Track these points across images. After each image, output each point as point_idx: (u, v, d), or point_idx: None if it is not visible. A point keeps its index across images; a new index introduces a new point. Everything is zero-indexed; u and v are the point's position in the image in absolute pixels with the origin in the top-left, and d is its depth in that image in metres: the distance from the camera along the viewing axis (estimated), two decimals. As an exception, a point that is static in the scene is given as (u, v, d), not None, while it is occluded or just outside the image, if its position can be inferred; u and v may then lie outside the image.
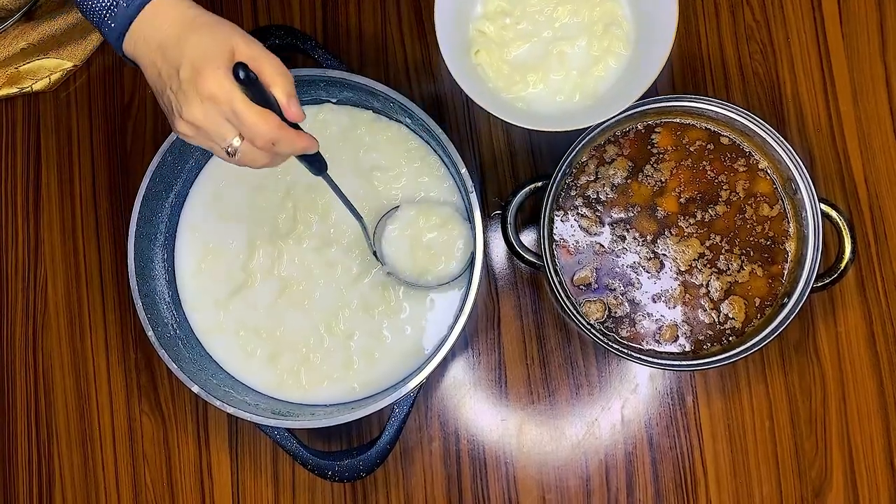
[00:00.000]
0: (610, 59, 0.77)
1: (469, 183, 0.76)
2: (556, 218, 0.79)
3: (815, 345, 0.83)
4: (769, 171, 0.79)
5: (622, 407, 0.83)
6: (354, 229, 0.82)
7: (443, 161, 0.82)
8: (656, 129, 0.80)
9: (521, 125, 0.74)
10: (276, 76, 0.58)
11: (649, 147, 0.80)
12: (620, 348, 0.77)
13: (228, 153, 0.58)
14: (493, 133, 0.86)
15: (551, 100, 0.78)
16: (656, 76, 0.72)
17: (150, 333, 0.76)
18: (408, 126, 0.83)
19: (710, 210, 0.79)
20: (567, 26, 0.77)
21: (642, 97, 0.74)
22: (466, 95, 0.75)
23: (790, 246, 0.79)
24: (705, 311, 0.78)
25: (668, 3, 0.73)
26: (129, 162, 0.89)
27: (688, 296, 0.78)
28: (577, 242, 0.79)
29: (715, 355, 0.76)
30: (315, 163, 0.65)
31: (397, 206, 0.80)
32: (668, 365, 0.76)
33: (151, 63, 0.58)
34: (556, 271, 0.78)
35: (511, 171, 0.86)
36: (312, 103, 0.84)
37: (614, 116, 0.74)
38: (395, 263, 0.79)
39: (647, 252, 0.79)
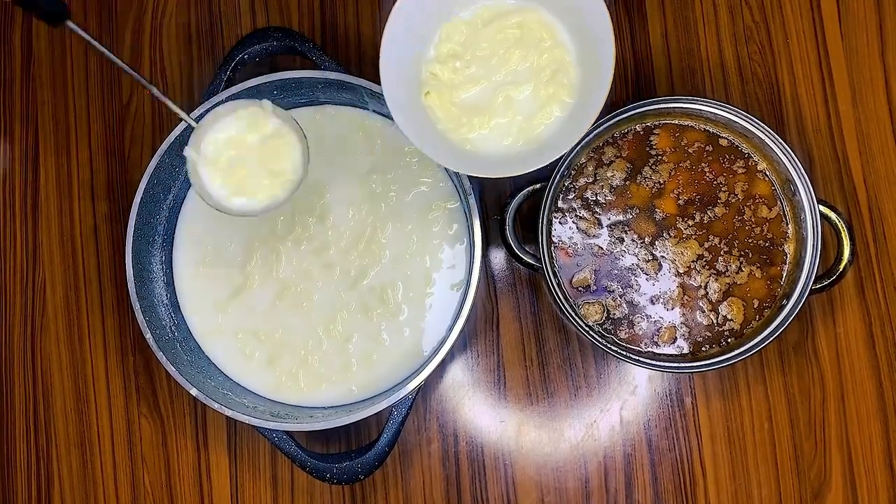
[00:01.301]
0: (555, 106, 0.74)
1: (467, 185, 0.76)
2: (554, 220, 0.79)
3: (814, 346, 0.83)
4: (768, 173, 0.79)
5: (621, 408, 0.83)
6: (353, 231, 0.82)
7: (441, 163, 0.82)
8: (655, 131, 0.80)
9: (464, 171, 0.73)
10: None
11: (648, 149, 0.80)
12: (619, 350, 0.77)
13: None
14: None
15: (497, 143, 0.75)
16: (593, 120, 0.70)
17: (148, 336, 0.76)
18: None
19: (708, 212, 0.79)
20: (516, 72, 0.76)
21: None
22: None
23: (789, 247, 0.79)
24: (704, 312, 0.78)
25: (607, 52, 0.70)
26: (127, 164, 0.89)
27: (686, 297, 0.78)
28: (576, 244, 0.79)
29: (713, 357, 0.76)
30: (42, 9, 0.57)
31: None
32: (667, 367, 0.76)
33: None
34: (554, 273, 0.78)
35: (509, 172, 0.86)
36: (310, 105, 0.84)
37: (552, 162, 0.72)
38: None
39: (646, 254, 0.79)
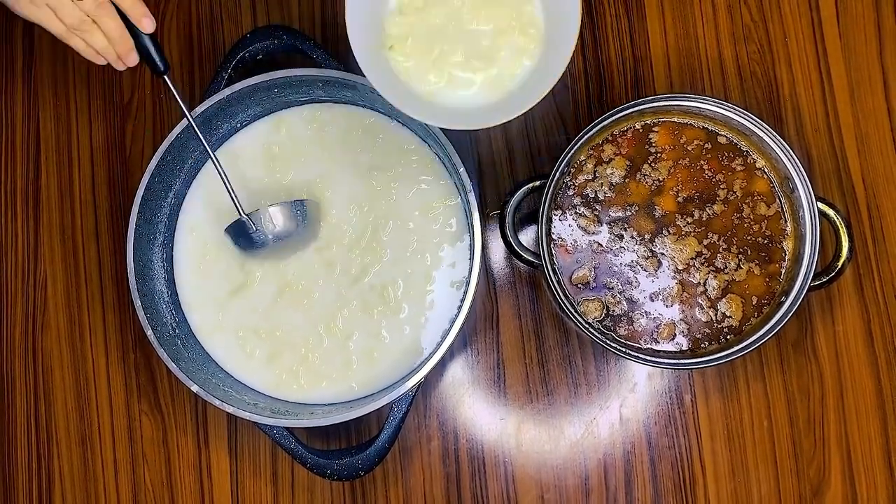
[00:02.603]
0: (524, 58, 0.74)
1: (467, 182, 0.76)
2: (554, 217, 0.80)
3: (812, 344, 0.83)
4: (766, 171, 0.79)
5: (621, 406, 0.83)
6: (354, 229, 0.82)
7: (441, 160, 0.82)
8: (654, 129, 0.80)
9: (433, 123, 0.72)
10: None
11: (647, 146, 0.80)
12: (618, 347, 0.77)
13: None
14: (490, 132, 0.87)
15: (464, 94, 0.75)
16: (562, 73, 0.70)
17: (149, 333, 0.77)
18: (406, 125, 0.83)
19: (707, 209, 0.79)
20: (482, 21, 0.75)
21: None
22: None
23: (788, 245, 0.79)
24: (703, 309, 0.78)
25: (574, 5, 0.71)
26: (129, 162, 0.89)
27: (685, 294, 0.78)
28: (576, 241, 0.79)
29: (712, 354, 0.76)
30: (150, 60, 0.74)
31: None
32: (666, 363, 0.76)
33: None
34: (554, 270, 0.78)
35: (509, 170, 0.87)
36: (311, 103, 0.85)
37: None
38: None
39: (645, 251, 0.79)
